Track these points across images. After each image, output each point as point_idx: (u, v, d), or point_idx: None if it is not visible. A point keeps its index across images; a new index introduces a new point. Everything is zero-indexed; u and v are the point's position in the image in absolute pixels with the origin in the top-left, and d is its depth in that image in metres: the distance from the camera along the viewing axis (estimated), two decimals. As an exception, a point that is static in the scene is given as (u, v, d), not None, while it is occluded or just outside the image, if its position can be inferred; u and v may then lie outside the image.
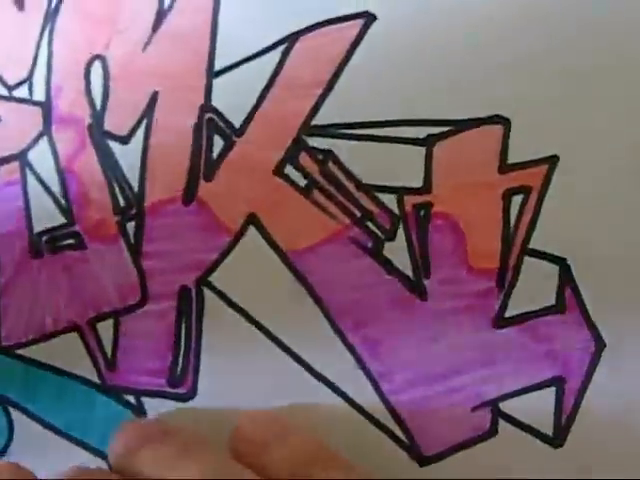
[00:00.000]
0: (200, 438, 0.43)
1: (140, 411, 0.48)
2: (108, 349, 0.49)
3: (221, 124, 0.47)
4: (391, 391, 0.44)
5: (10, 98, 0.52)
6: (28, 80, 0.52)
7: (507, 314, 0.43)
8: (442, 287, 0.43)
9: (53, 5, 0.51)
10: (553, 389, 0.43)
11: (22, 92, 0.52)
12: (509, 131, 0.44)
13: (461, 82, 0.44)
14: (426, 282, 0.44)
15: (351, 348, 0.44)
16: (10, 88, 0.52)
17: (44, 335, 0.50)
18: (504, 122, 0.44)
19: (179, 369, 0.47)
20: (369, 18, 0.47)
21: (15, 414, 0.50)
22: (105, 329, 0.49)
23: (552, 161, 0.43)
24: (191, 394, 0.47)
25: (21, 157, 0.52)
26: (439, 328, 0.43)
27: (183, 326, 0.47)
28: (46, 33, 0.52)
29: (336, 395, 0.45)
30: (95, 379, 0.49)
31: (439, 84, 0.44)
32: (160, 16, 0.49)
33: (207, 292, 0.47)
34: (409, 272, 0.44)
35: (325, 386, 0.45)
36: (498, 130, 0.43)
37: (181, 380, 0.47)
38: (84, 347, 0.49)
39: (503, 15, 0.44)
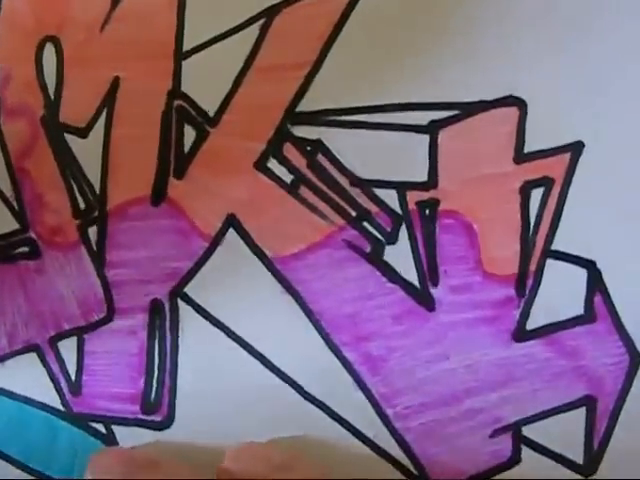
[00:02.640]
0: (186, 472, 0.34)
1: (111, 441, 0.39)
2: (72, 371, 0.39)
3: (192, 112, 0.39)
4: (397, 416, 0.36)
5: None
6: (-30, 65, 0.42)
7: (529, 326, 0.35)
8: (453, 296, 0.36)
9: (-5, -21, 0.42)
10: (583, 410, 0.35)
11: (-36, 80, 0.42)
12: (526, 114, 0.35)
13: (469, 59, 0.35)
14: (434, 290, 0.36)
15: (349, 367, 0.35)
16: (-49, 76, 0.43)
17: (-1, 357, 0.41)
18: (520, 104, 0.35)
19: (153, 393, 0.39)
20: None
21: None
22: (68, 349, 0.39)
23: (576, 148, 0.35)
24: (168, 421, 0.38)
25: (-34, 155, 0.42)
26: (451, 343, 0.36)
27: (156, 344, 0.39)
28: (-10, 12, 0.42)
29: (333, 420, 0.36)
30: (58, 405, 0.40)
31: (444, 61, 0.35)
32: (119, -12, 0.40)
33: (182, 305, 0.38)
34: (414, 279, 0.36)
35: (319, 409, 0.37)
36: (513, 113, 0.35)
37: (156, 406, 0.39)
38: (44, 369, 0.40)
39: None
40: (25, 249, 0.43)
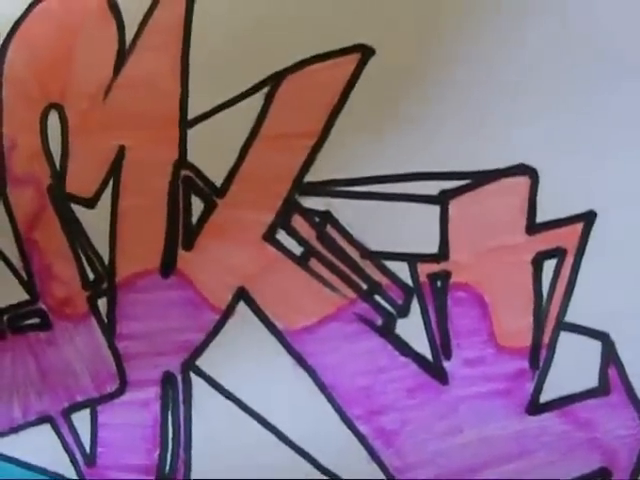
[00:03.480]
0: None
1: (126, 513, 0.44)
2: (86, 442, 0.45)
3: (200, 183, 0.43)
4: (411, 489, 0.40)
5: (-44, 156, 0.48)
6: (-25, 134, 0.47)
7: (542, 398, 0.39)
8: (466, 369, 0.41)
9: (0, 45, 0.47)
10: (599, 483, 0.39)
11: (-31, 148, 0.48)
12: (537, 183, 0.39)
13: (479, 128, 0.39)
14: (447, 364, 0.41)
15: (363, 440, 0.40)
16: (-45, 144, 0.48)
17: (12, 427, 0.46)
18: (530, 172, 0.39)
19: (168, 465, 0.44)
20: (366, 52, 0.44)
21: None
22: (81, 420, 0.45)
23: (588, 218, 0.39)
24: (183, 493, 0.43)
25: (-27, 224, 0.47)
26: (464, 416, 0.40)
27: (169, 416, 0.43)
28: (-7, 77, 0.47)
29: (348, 492, 0.41)
30: (72, 476, 0.45)
31: (454, 130, 0.40)
32: (121, 56, 0.44)
33: (194, 377, 0.43)
34: (427, 352, 0.41)
35: (335, 482, 0.41)
36: (524, 182, 0.39)
37: (171, 477, 0.43)
38: (59, 440, 0.45)
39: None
40: (35, 320, 0.48)
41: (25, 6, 0.50)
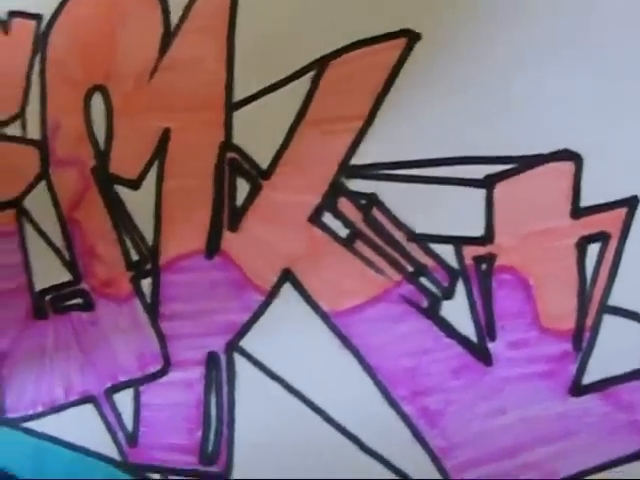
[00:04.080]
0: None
1: (169, 492, 0.49)
2: (128, 422, 0.49)
3: (245, 165, 0.47)
4: (454, 469, 0.45)
5: (1, 137, 0.52)
6: (20, 117, 0.51)
7: (585, 380, 0.44)
8: (510, 351, 0.45)
9: (42, 29, 0.51)
10: (639, 464, 0.43)
11: (14, 129, 0.52)
12: (581, 168, 0.43)
13: (525, 112, 0.43)
14: (491, 345, 0.46)
15: (407, 420, 0.44)
16: (0, 125, 0.52)
17: (55, 407, 0.50)
18: (575, 158, 0.43)
19: (211, 445, 0.48)
20: (412, 37, 0.48)
21: (27, 494, 0.52)
22: (124, 400, 0.49)
23: (632, 203, 0.43)
24: (226, 473, 0.48)
25: (16, 205, 0.51)
26: (508, 398, 0.45)
27: (213, 396, 0.48)
28: (37, 61, 0.51)
29: (390, 472, 0.45)
30: (115, 456, 0.49)
31: (500, 114, 0.44)
32: (167, 38, 0.49)
33: (239, 358, 0.48)
34: (471, 335, 0.46)
35: (377, 462, 0.45)
36: (569, 168, 0.43)
37: (214, 457, 0.49)
38: (101, 420, 0.50)
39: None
40: (78, 300, 0.52)
41: (68, -12, 0.54)
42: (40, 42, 0.56)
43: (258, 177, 0.51)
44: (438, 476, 0.49)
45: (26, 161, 0.56)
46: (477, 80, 0.48)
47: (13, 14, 0.57)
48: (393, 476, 0.50)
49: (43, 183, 0.55)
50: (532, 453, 0.48)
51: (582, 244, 0.47)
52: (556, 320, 0.47)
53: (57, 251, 0.55)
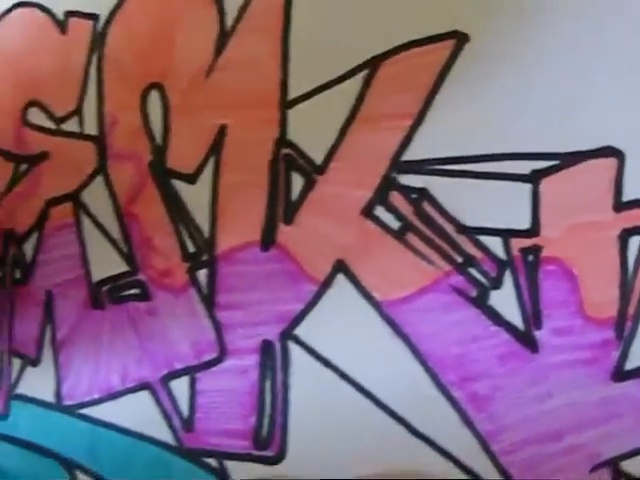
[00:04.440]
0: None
1: (223, 475, 0.54)
2: (184, 409, 0.54)
3: (300, 161, 0.52)
4: (502, 451, 0.50)
5: (59, 132, 0.57)
6: (77, 113, 0.56)
7: (627, 366, 0.48)
8: (555, 338, 0.51)
9: (99, 28, 0.56)
10: (680, 446, 0.49)
11: (72, 125, 0.57)
12: (623, 164, 0.48)
13: (568, 111, 0.48)
14: (537, 333, 0.51)
15: (456, 405, 0.49)
16: (58, 121, 0.57)
17: (111, 394, 0.55)
18: (617, 154, 0.48)
19: (265, 430, 0.53)
20: (461, 38, 0.52)
21: (82, 478, 0.56)
22: (180, 387, 0.54)
23: (673, 197, 0.48)
24: (280, 456, 0.53)
25: (74, 198, 0.56)
26: (553, 383, 0.50)
27: (267, 383, 0.53)
28: (94, 59, 0.56)
29: (440, 455, 0.51)
30: (170, 441, 0.54)
31: (544, 112, 0.49)
32: (223, 38, 0.54)
33: (293, 346, 0.52)
34: (518, 322, 0.50)
35: (427, 445, 0.51)
36: (611, 163, 0.48)
37: (268, 442, 0.53)
38: (157, 407, 0.54)
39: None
40: (135, 291, 0.57)
41: (124, -11, 0.59)
42: (97, 41, 0.61)
43: (312, 172, 0.56)
44: (485, 458, 0.54)
45: (84, 156, 0.61)
46: (524, 80, 0.53)
47: (70, 14, 0.62)
48: (441, 458, 0.55)
49: (100, 177, 0.60)
50: (576, 436, 0.53)
51: (624, 236, 0.52)
52: (599, 309, 0.52)
53: (114, 243, 0.60)
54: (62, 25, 0.62)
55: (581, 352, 0.53)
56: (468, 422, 0.54)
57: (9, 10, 0.64)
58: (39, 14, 0.63)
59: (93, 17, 0.61)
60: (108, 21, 0.61)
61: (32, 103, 0.63)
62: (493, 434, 0.54)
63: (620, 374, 0.52)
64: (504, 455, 0.54)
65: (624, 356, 0.53)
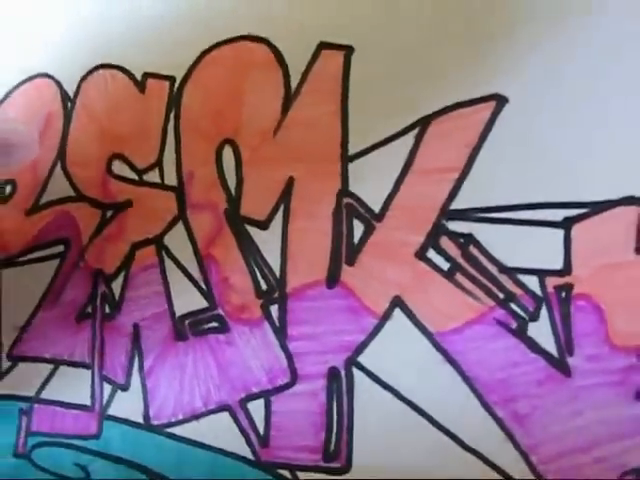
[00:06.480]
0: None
1: (296, 485, 0.75)
2: (261, 427, 0.74)
3: (360, 209, 0.72)
4: (539, 462, 0.70)
5: (141, 182, 0.77)
6: (158, 164, 0.76)
7: (649, 388, 0.68)
8: (586, 364, 0.70)
9: (175, 89, 0.76)
10: (696, 456, 0.68)
11: (153, 176, 0.77)
12: None
13: (597, 164, 0.67)
14: (570, 360, 0.69)
15: (500, 422, 0.69)
16: (140, 172, 0.77)
17: (195, 415, 0.76)
18: (638, 203, 0.67)
19: (333, 445, 0.73)
20: (500, 100, 0.69)
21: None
22: (256, 408, 0.74)
23: (687, 241, 0.68)
24: (346, 467, 0.73)
25: (157, 242, 0.76)
26: (584, 402, 0.69)
27: (334, 405, 0.73)
28: (171, 117, 0.76)
29: (488, 467, 0.70)
30: (248, 455, 0.75)
31: (576, 165, 0.68)
32: (288, 98, 0.73)
33: (356, 372, 0.72)
34: (553, 350, 0.69)
35: (477, 459, 0.70)
36: (634, 211, 0.67)
37: (336, 455, 0.73)
38: (236, 425, 0.75)
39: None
40: (215, 324, 0.78)
41: (197, 54, 0.79)
42: (174, 101, 0.81)
43: (371, 219, 0.76)
44: (525, 468, 0.74)
45: (165, 204, 0.82)
46: (555, 137, 0.72)
47: (148, 75, 0.82)
48: (489, 470, 0.75)
49: (180, 224, 0.81)
50: (604, 449, 0.73)
51: (645, 275, 0.72)
52: (625, 338, 0.72)
53: (194, 282, 0.81)
54: (141, 85, 0.83)
55: (608, 376, 0.72)
56: (510, 437, 0.74)
57: (92, 71, 0.85)
58: (120, 75, 0.84)
59: (170, 78, 0.82)
60: (183, 83, 0.81)
61: (116, 156, 0.84)
62: (532, 447, 0.74)
63: (643, 394, 0.72)
64: (541, 464, 0.74)
65: (646, 379, 0.72)
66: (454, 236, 0.75)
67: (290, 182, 0.78)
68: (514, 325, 0.74)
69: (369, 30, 0.77)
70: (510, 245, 0.74)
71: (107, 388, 0.85)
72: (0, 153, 0.67)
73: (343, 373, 0.78)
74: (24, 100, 0.88)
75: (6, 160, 0.68)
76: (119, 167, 0.84)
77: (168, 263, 0.82)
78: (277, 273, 0.79)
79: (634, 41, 0.71)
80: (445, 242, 0.76)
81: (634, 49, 0.70)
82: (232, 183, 0.80)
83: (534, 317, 0.74)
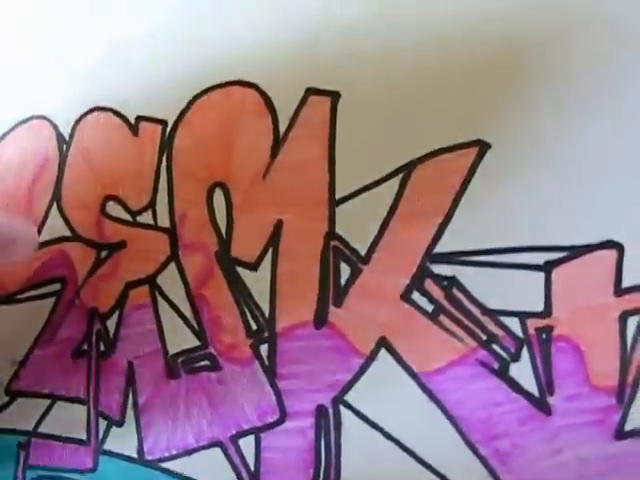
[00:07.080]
0: None
1: (286, 520, 0.77)
2: (251, 463, 0.77)
3: (347, 252, 0.74)
4: (522, 499, 0.72)
5: (135, 223, 0.79)
6: (151, 206, 0.79)
7: (627, 427, 0.70)
8: (566, 404, 0.72)
9: (167, 133, 0.78)
10: (673, 492, 0.71)
11: (146, 218, 0.79)
12: (623, 255, 0.69)
13: (577, 209, 0.70)
14: (550, 399, 0.71)
15: (483, 460, 0.71)
16: (134, 214, 0.79)
17: (187, 450, 0.78)
18: (617, 247, 0.70)
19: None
20: (483, 146, 0.71)
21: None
22: (247, 445, 0.77)
23: (664, 284, 0.70)
24: (334, 502, 0.76)
25: (150, 281, 0.79)
26: (564, 441, 0.72)
27: (322, 442, 0.75)
28: (164, 159, 0.79)
29: (471, 502, 0.73)
30: (239, 491, 0.78)
31: (556, 211, 0.70)
32: (277, 144, 0.76)
33: (344, 410, 0.75)
34: (534, 390, 0.72)
35: (461, 494, 0.73)
36: (612, 255, 0.70)
37: (325, 490, 0.76)
38: (227, 461, 0.77)
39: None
40: (206, 363, 0.80)
41: (189, 98, 0.82)
42: (166, 144, 0.84)
43: (358, 262, 0.79)
44: (510, 505, 0.77)
45: (157, 245, 0.85)
46: (537, 183, 0.75)
47: (141, 118, 0.85)
48: (473, 505, 0.78)
49: (173, 264, 0.84)
50: (586, 486, 0.75)
51: (624, 317, 0.74)
52: (603, 378, 0.74)
53: (187, 321, 0.83)
54: (134, 128, 0.85)
55: (588, 415, 0.75)
56: (493, 474, 0.77)
57: (86, 113, 0.87)
58: (114, 118, 0.86)
59: (162, 122, 0.84)
60: (175, 126, 0.84)
61: (110, 197, 0.86)
62: (515, 484, 0.77)
63: (621, 434, 0.74)
64: (525, 503, 0.77)
65: (624, 418, 0.74)
66: (438, 279, 0.78)
67: (279, 225, 0.81)
68: (496, 365, 0.77)
69: (356, 77, 0.80)
70: (492, 287, 0.77)
71: (102, 423, 0.87)
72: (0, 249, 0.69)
73: (331, 411, 0.81)
74: (20, 141, 0.90)
75: (6, 255, 0.70)
76: (113, 208, 0.87)
77: (161, 302, 0.85)
78: (267, 313, 0.82)
79: (603, 96, 0.73)
80: (429, 284, 0.78)
81: (607, 103, 0.73)
82: (223, 225, 0.83)
83: (515, 358, 0.76)
